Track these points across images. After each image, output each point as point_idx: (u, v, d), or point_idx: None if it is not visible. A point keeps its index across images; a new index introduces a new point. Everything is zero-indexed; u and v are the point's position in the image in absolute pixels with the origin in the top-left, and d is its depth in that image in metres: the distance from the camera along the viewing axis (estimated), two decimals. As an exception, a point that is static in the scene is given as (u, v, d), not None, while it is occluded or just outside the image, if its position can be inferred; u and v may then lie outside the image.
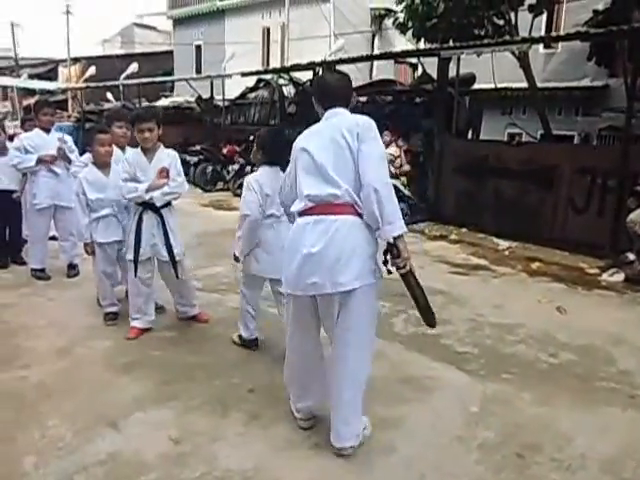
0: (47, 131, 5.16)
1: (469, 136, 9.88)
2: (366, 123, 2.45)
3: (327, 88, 2.61)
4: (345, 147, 2.41)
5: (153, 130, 3.67)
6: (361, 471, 2.47)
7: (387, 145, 8.53)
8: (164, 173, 3.71)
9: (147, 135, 3.66)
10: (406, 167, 8.38)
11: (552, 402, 3.11)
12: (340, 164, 2.41)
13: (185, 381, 3.23)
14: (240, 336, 3.74)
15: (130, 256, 3.79)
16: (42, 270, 5.24)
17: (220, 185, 11.80)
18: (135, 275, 3.82)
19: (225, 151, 11.98)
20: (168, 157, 3.83)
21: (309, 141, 2.52)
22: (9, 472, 2.39)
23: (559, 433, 2.79)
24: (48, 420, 2.78)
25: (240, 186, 10.57)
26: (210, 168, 11.88)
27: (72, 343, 3.74)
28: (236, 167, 11.23)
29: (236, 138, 12.32)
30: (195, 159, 12.12)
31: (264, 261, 3.45)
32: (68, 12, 27.20)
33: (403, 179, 8.26)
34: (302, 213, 2.48)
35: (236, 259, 3.57)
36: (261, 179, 3.36)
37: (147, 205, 3.74)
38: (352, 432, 2.54)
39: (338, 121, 2.49)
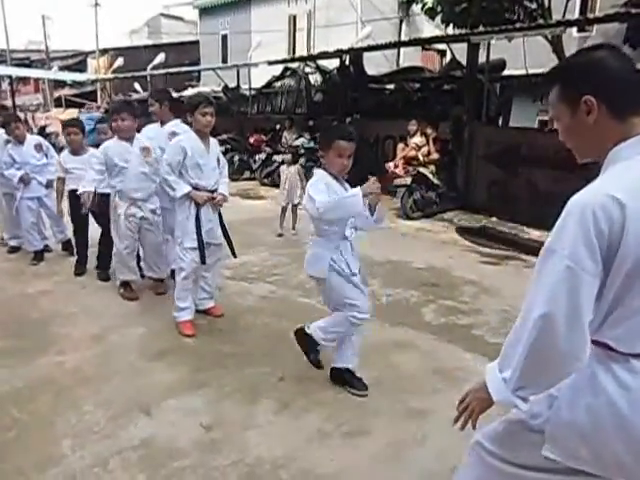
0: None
1: (499, 123, 9.69)
2: None
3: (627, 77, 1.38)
4: None
5: (214, 115, 3.67)
6: (392, 461, 2.46)
7: (413, 134, 8.42)
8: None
9: (210, 119, 3.64)
10: (435, 155, 8.25)
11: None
12: None
13: (216, 369, 3.27)
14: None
15: (192, 244, 3.68)
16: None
17: (247, 174, 11.84)
18: (204, 262, 3.74)
19: (252, 140, 12.00)
20: (216, 145, 3.91)
21: None
22: (49, 453, 2.46)
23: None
24: (84, 405, 2.85)
25: (267, 175, 10.80)
26: (237, 157, 11.89)
27: (106, 330, 3.81)
28: (263, 156, 11.22)
29: (263, 127, 12.33)
30: (222, 148, 12.13)
31: None
32: (96, 4, 27.50)
33: (432, 167, 8.14)
34: None
35: None
36: None
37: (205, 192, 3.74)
38: None
39: None
